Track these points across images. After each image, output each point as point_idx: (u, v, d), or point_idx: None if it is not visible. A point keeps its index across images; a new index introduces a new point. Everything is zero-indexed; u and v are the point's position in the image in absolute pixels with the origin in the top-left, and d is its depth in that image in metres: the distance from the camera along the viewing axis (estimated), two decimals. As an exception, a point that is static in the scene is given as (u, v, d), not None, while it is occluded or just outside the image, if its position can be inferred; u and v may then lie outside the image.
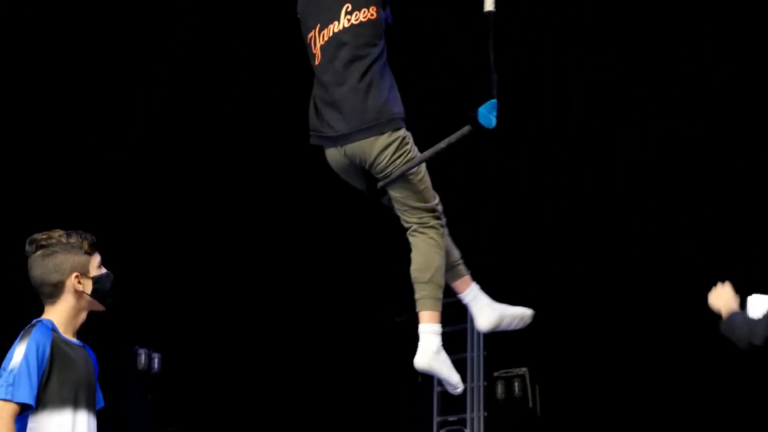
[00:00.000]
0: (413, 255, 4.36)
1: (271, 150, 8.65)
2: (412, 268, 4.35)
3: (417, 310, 4.32)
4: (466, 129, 4.03)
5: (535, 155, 8.65)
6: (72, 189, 8.62)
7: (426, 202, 4.35)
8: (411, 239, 4.36)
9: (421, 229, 4.35)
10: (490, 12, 4.12)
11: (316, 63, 4.35)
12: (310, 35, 4.38)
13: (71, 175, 8.57)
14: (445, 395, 9.42)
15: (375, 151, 4.22)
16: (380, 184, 4.31)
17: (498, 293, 9.49)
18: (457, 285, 4.58)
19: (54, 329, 3.81)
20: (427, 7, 6.84)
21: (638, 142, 8.36)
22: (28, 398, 3.64)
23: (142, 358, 9.46)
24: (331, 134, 4.30)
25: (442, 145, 4.13)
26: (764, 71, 7.58)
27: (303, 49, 4.49)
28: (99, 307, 3.97)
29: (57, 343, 3.78)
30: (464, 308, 9.82)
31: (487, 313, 4.60)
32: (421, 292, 4.33)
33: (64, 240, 3.91)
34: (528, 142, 8.54)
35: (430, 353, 4.27)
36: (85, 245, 3.94)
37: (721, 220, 8.04)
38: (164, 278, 9.37)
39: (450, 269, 4.50)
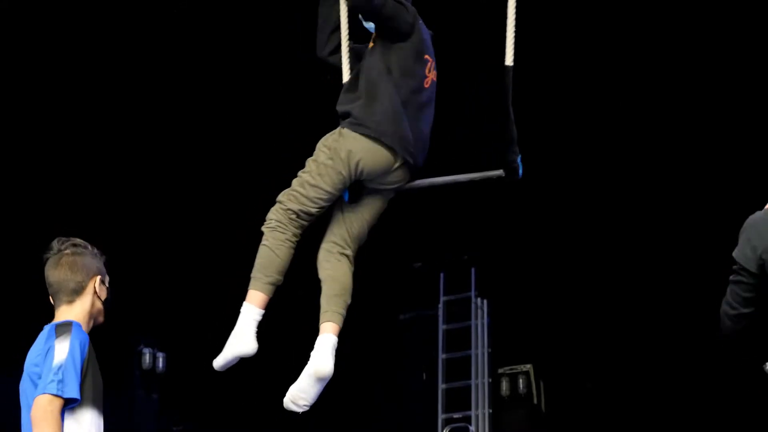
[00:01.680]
0: (344, 276, 4.50)
1: (274, 145, 8.64)
2: (342, 288, 4.49)
3: (333, 321, 4.45)
4: (496, 173, 4.34)
5: (539, 153, 8.64)
6: (75, 188, 8.63)
7: (364, 239, 4.56)
8: (343, 262, 4.51)
9: (351, 260, 4.54)
10: (509, 67, 4.31)
11: (425, 86, 4.48)
12: (428, 57, 4.50)
13: (73, 174, 8.58)
14: (450, 392, 9.44)
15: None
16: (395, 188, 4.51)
17: (504, 290, 9.55)
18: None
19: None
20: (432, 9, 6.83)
21: (639, 142, 8.36)
22: (76, 393, 3.73)
23: (147, 358, 9.45)
24: (412, 153, 4.43)
25: (462, 177, 4.43)
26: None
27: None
28: (101, 318, 4.08)
29: (90, 344, 3.91)
30: (468, 306, 9.86)
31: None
32: (342, 310, 4.47)
33: (89, 247, 4.07)
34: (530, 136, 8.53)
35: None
36: (102, 258, 4.11)
37: (724, 219, 8.02)
38: (168, 277, 9.37)
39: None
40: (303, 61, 7.94)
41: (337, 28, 4.70)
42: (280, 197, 4.52)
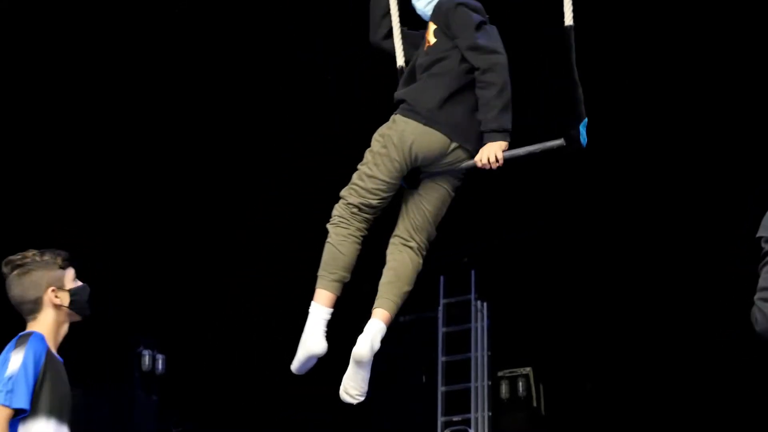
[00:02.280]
0: (401, 264, 4.42)
1: (274, 145, 8.63)
2: (396, 275, 4.41)
3: (382, 308, 4.37)
4: (556, 143, 4.12)
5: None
6: (76, 191, 8.63)
7: (433, 231, 4.46)
8: (405, 253, 4.41)
9: (419, 252, 4.44)
10: (569, 26, 4.15)
11: None
12: None
13: (74, 178, 8.58)
14: (450, 395, 9.43)
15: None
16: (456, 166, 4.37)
17: (504, 293, 9.54)
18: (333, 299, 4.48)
19: (44, 341, 3.97)
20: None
21: (647, 141, 8.35)
22: (25, 404, 3.79)
23: (147, 360, 9.45)
24: (468, 139, 4.37)
25: (520, 151, 4.20)
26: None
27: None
28: (77, 317, 4.14)
29: (50, 355, 3.95)
30: (468, 309, 9.83)
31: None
32: (394, 297, 4.38)
33: (38, 258, 4.09)
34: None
35: (373, 348, 4.30)
36: (59, 260, 4.12)
37: (726, 219, 8.03)
38: (168, 279, 9.37)
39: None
40: (303, 61, 7.98)
41: (389, 12, 4.65)
42: (342, 192, 4.39)
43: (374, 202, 4.34)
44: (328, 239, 4.38)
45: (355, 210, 4.34)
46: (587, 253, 9.06)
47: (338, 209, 4.37)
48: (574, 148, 4.07)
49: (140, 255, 9.11)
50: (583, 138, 4.07)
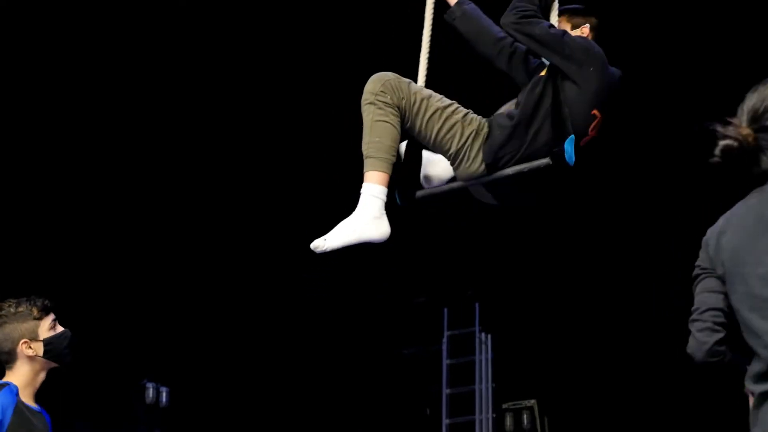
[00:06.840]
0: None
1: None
2: None
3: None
4: (543, 162, 3.96)
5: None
6: (72, 224, 8.65)
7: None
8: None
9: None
10: None
11: None
12: None
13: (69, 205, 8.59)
14: (454, 427, 9.42)
15: None
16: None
17: (508, 325, 9.53)
18: None
19: (17, 394, 3.99)
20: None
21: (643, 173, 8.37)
22: None
23: (150, 392, 9.45)
24: None
25: (509, 171, 4.04)
26: None
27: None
28: (55, 365, 4.14)
29: (20, 407, 3.96)
30: (472, 341, 9.80)
31: None
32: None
33: (12, 310, 4.10)
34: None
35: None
36: (35, 311, 4.11)
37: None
38: (172, 311, 9.38)
39: None
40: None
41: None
42: (377, 81, 3.91)
43: (403, 104, 3.92)
44: (377, 117, 3.86)
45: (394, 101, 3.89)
46: (591, 285, 9.06)
47: (378, 95, 3.88)
48: (560, 167, 3.92)
49: (144, 287, 9.13)
50: (569, 156, 3.92)
